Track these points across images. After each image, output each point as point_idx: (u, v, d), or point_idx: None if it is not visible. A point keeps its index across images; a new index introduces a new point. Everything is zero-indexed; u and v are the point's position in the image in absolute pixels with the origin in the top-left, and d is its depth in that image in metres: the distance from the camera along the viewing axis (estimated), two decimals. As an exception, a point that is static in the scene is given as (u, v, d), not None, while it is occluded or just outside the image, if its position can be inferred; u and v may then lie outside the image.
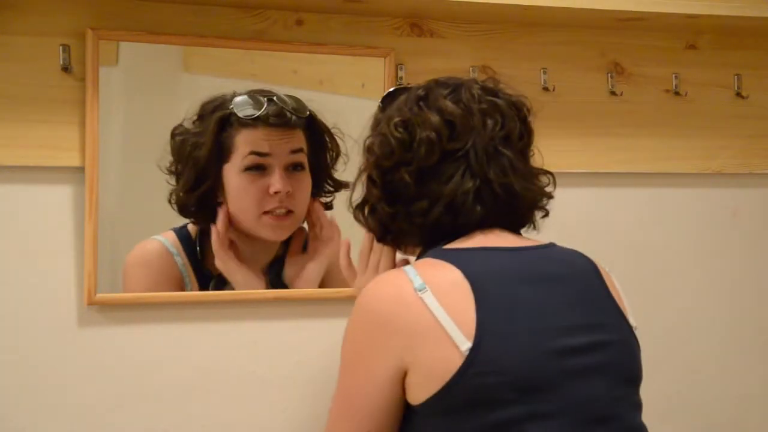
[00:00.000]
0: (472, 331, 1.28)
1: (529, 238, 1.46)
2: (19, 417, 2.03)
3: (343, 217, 2.23)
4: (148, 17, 2.06)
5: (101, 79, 2.01)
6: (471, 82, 1.45)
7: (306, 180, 2.07)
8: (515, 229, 1.46)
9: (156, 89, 2.11)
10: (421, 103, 1.43)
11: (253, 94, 2.02)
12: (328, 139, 2.10)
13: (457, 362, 1.27)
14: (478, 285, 1.31)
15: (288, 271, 2.15)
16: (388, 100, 1.51)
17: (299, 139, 2.04)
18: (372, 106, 2.22)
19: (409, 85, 1.51)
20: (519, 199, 1.41)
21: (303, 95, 2.16)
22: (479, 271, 1.33)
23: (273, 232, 2.05)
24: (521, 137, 1.43)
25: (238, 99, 2.00)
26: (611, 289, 1.43)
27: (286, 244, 2.15)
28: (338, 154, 2.12)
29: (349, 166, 2.10)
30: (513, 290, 1.33)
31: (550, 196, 1.49)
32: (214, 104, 2.02)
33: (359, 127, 2.27)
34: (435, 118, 1.39)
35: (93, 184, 2.01)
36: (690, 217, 2.56)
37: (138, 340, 2.11)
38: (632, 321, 1.43)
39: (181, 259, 2.06)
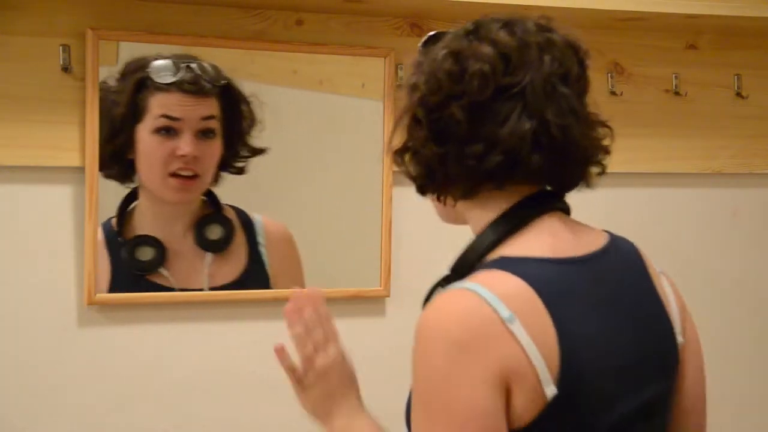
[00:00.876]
0: (557, 374, 1.17)
1: (585, 226, 1.36)
2: (19, 417, 2.03)
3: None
4: (148, 17, 2.06)
5: (101, 79, 2.01)
6: (525, 17, 1.32)
7: (215, 146, 2.11)
8: (571, 186, 1.33)
9: (156, 89, 2.11)
10: (471, 36, 1.29)
11: (173, 59, 2.05)
12: (244, 108, 2.13)
13: (539, 405, 1.16)
14: (558, 317, 1.19)
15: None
16: (430, 42, 1.36)
17: (212, 107, 2.08)
18: (372, 106, 2.24)
19: (451, 30, 1.36)
20: (576, 148, 1.27)
21: (303, 95, 2.16)
22: (558, 300, 1.20)
23: (176, 194, 2.08)
24: (578, 79, 1.31)
25: (156, 63, 2.03)
26: (663, 299, 1.34)
27: (214, 206, 2.16)
28: (254, 122, 2.15)
29: (265, 134, 2.13)
30: (587, 324, 1.22)
31: (607, 151, 1.35)
32: (135, 66, 2.05)
33: (359, 127, 2.28)
34: (488, 50, 1.25)
35: (93, 184, 2.01)
36: (690, 217, 2.56)
37: (138, 340, 2.11)
38: (679, 338, 1.35)
39: (102, 235, 2.07)
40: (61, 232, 2.04)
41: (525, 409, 1.16)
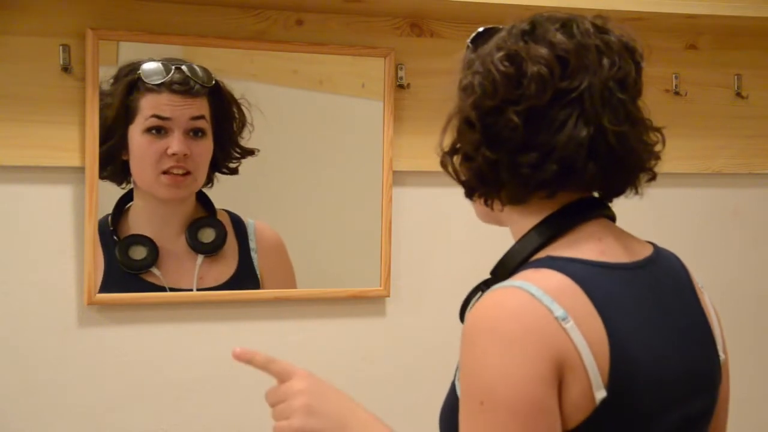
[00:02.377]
0: (606, 378, 1.13)
1: (631, 235, 1.33)
2: (19, 416, 2.03)
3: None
4: (148, 17, 2.06)
5: (101, 79, 2.01)
6: (581, 18, 1.26)
7: (205, 145, 2.12)
8: (620, 192, 1.30)
9: (156, 89, 2.11)
10: (526, 38, 1.23)
11: (163, 62, 2.07)
12: (234, 109, 2.16)
13: (588, 407, 1.13)
14: (609, 319, 1.16)
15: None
16: (479, 40, 1.30)
17: (201, 107, 2.10)
18: (372, 106, 2.24)
19: (502, 26, 1.30)
20: (632, 155, 1.24)
21: (303, 95, 2.16)
22: (608, 303, 1.17)
23: (169, 191, 2.09)
24: (635, 83, 1.25)
25: (146, 65, 2.06)
26: (708, 316, 1.32)
27: (207, 208, 2.18)
28: (244, 123, 2.17)
29: (254, 135, 2.15)
30: (636, 330, 1.19)
31: (658, 157, 1.30)
32: (128, 69, 2.07)
33: (359, 127, 2.28)
34: (546, 52, 1.19)
35: (93, 184, 2.01)
36: (690, 217, 2.56)
37: (138, 340, 2.11)
38: (722, 355, 1.32)
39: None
40: (61, 232, 2.04)
41: (574, 411, 1.13)
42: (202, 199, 2.17)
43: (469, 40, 1.31)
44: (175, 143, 2.06)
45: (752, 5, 2.32)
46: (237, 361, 1.40)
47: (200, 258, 2.15)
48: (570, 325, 1.13)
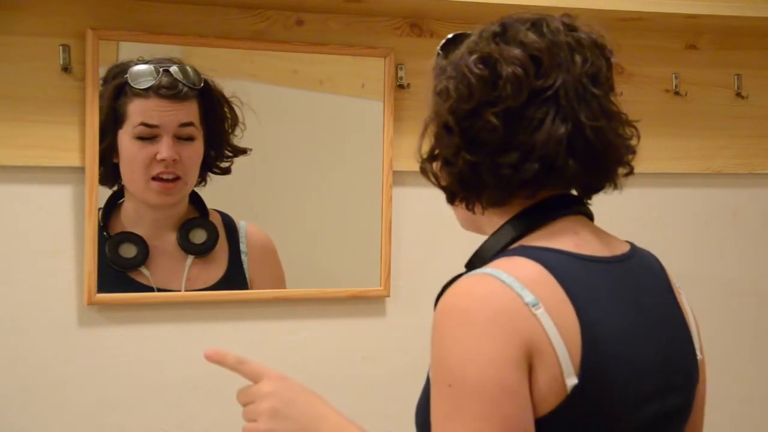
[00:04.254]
0: (578, 365, 1.13)
1: (608, 233, 1.33)
2: (19, 416, 2.03)
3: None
4: (148, 17, 2.06)
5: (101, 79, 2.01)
6: (550, 17, 1.27)
7: (195, 149, 2.11)
8: (598, 189, 1.31)
9: (156, 89, 2.11)
10: (498, 39, 1.24)
11: (152, 64, 2.05)
12: (225, 109, 2.14)
13: (560, 395, 1.13)
14: (581, 307, 1.16)
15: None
16: (450, 46, 1.30)
17: (190, 112, 2.08)
18: (372, 106, 2.24)
19: (471, 32, 1.30)
20: (610, 149, 1.25)
21: (303, 95, 2.16)
22: (581, 291, 1.17)
23: (158, 197, 2.09)
24: (607, 78, 1.27)
25: (134, 69, 2.04)
26: (685, 315, 1.33)
27: (199, 209, 2.17)
28: (236, 123, 2.15)
29: (254, 135, 2.14)
30: (610, 320, 1.19)
31: (634, 151, 1.32)
32: (116, 71, 2.05)
33: (359, 127, 2.28)
34: (519, 52, 1.20)
35: (93, 184, 2.02)
36: (690, 217, 2.56)
37: (138, 340, 2.11)
38: (699, 355, 1.33)
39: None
40: (61, 232, 2.04)
41: (545, 397, 1.13)
42: (195, 200, 2.16)
43: (439, 48, 1.32)
44: (164, 149, 2.05)
45: (752, 5, 2.32)
46: (209, 361, 1.40)
47: (190, 259, 2.14)
48: (540, 311, 1.13)
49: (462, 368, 1.11)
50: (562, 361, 1.13)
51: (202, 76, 2.08)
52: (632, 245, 1.33)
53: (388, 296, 2.27)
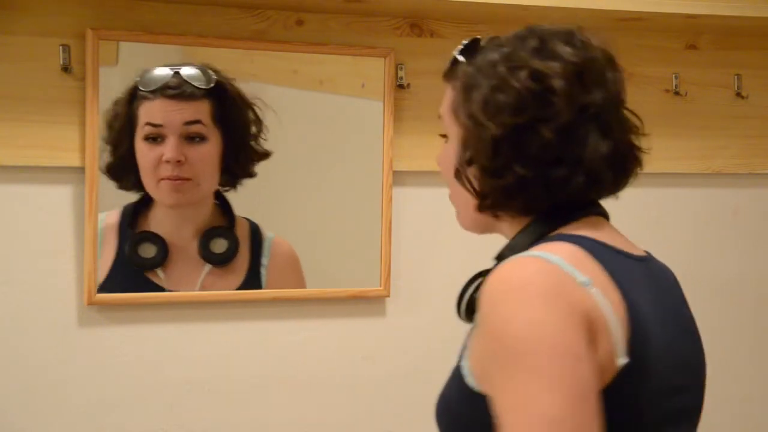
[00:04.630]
0: (626, 345, 1.15)
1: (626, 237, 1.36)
2: (19, 416, 2.03)
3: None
4: (148, 17, 2.06)
5: (101, 79, 2.01)
6: (575, 29, 1.29)
7: (205, 150, 2.09)
8: (615, 194, 1.34)
9: (156, 89, 2.11)
10: (538, 52, 1.25)
11: (165, 67, 2.05)
12: (245, 111, 2.12)
13: (611, 372, 1.14)
14: (625, 290, 1.18)
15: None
16: (471, 51, 1.30)
17: (197, 111, 2.07)
18: (372, 106, 2.24)
19: (488, 37, 1.31)
20: (635, 162, 1.28)
21: (303, 95, 2.16)
22: (620, 275, 1.19)
23: (169, 196, 2.09)
24: (625, 92, 1.30)
25: (145, 73, 2.04)
26: (695, 323, 1.37)
27: (227, 217, 2.16)
28: (259, 125, 2.14)
29: (270, 137, 2.13)
30: (649, 308, 1.21)
31: (642, 162, 1.35)
32: (137, 76, 2.07)
33: (359, 127, 2.28)
34: (565, 67, 1.22)
35: (93, 184, 2.02)
36: (690, 217, 2.56)
37: (138, 340, 2.11)
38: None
39: (101, 224, 2.08)
40: (61, 232, 2.04)
41: (601, 373, 1.13)
42: (224, 206, 2.15)
43: (457, 53, 1.32)
44: (168, 149, 2.05)
45: (752, 5, 2.32)
46: None
47: (207, 267, 2.14)
48: (595, 290, 1.14)
49: (532, 335, 1.10)
50: (615, 339, 1.14)
51: (213, 76, 2.06)
52: (648, 252, 1.36)
53: (388, 296, 2.27)
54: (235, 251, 2.14)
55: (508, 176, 1.23)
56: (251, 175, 2.15)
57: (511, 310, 1.12)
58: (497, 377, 1.12)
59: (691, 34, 2.49)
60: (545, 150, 1.21)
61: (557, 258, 1.16)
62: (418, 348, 2.32)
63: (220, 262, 2.14)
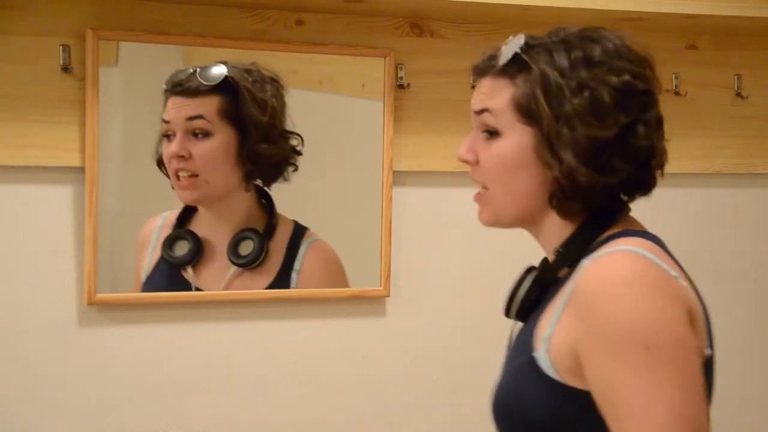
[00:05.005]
0: (706, 337, 1.22)
1: None
2: (19, 416, 2.03)
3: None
4: (148, 17, 2.06)
5: (101, 79, 2.01)
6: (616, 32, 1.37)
7: (209, 145, 2.08)
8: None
9: (156, 89, 2.11)
10: (621, 53, 1.29)
11: (191, 67, 2.07)
12: (255, 106, 2.10)
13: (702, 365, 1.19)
14: (695, 287, 1.26)
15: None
16: (532, 51, 1.28)
17: (201, 106, 2.07)
18: (372, 106, 2.24)
19: (528, 35, 1.30)
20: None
21: (303, 95, 2.16)
22: (685, 272, 1.27)
23: (182, 195, 2.11)
24: None
25: (173, 72, 2.07)
26: None
27: (268, 217, 2.17)
28: (272, 123, 2.12)
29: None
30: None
31: None
32: None
33: (359, 127, 2.28)
34: (642, 70, 1.30)
35: (93, 184, 2.02)
36: (690, 217, 2.56)
37: (138, 340, 2.11)
38: None
39: (161, 221, 2.15)
40: (61, 232, 2.04)
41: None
42: (268, 207, 2.17)
43: (519, 51, 1.28)
44: (173, 144, 2.07)
45: (752, 5, 2.32)
46: None
47: (233, 268, 2.14)
48: (684, 283, 1.19)
49: (656, 329, 1.12)
50: (704, 331, 1.20)
51: (224, 73, 2.05)
52: None
53: (388, 296, 2.27)
54: (260, 254, 2.14)
55: (609, 174, 1.27)
56: (272, 174, 2.15)
57: (630, 306, 1.13)
58: (611, 371, 1.13)
59: (691, 34, 2.49)
60: (647, 147, 1.29)
61: (649, 253, 1.19)
62: (418, 348, 2.32)
63: (244, 264, 2.14)
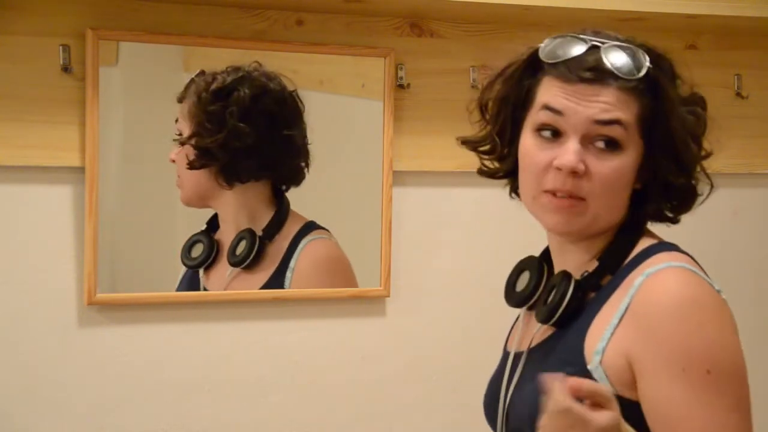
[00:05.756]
0: None
1: None
2: (19, 416, 2.03)
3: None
4: (148, 17, 2.06)
5: (101, 79, 2.01)
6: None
7: (183, 151, 2.09)
8: None
9: (156, 89, 2.11)
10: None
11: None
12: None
13: None
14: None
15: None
16: (659, 72, 1.49)
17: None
18: (372, 106, 2.24)
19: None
20: None
21: (303, 95, 2.16)
22: None
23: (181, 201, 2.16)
24: None
25: None
26: None
27: (278, 216, 2.17)
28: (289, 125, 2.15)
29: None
30: None
31: None
32: None
33: (359, 127, 2.28)
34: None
35: (93, 184, 2.01)
36: (690, 217, 2.56)
37: (138, 340, 2.11)
38: None
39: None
40: (61, 232, 2.04)
41: None
42: (278, 199, 2.17)
43: (650, 64, 1.46)
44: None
45: (752, 5, 2.32)
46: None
47: (230, 268, 2.14)
48: (725, 297, 1.27)
49: (718, 353, 1.19)
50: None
51: (232, 77, 2.08)
52: None
53: (388, 296, 2.26)
54: (250, 253, 2.13)
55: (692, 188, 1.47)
56: (292, 177, 2.17)
57: (695, 328, 1.19)
58: (670, 390, 1.16)
59: (691, 34, 2.48)
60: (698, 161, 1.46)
61: (699, 270, 1.29)
62: (418, 348, 2.32)
63: (237, 263, 2.14)
